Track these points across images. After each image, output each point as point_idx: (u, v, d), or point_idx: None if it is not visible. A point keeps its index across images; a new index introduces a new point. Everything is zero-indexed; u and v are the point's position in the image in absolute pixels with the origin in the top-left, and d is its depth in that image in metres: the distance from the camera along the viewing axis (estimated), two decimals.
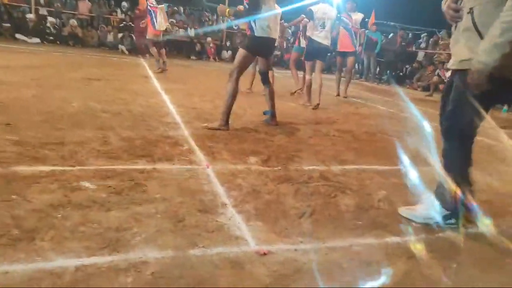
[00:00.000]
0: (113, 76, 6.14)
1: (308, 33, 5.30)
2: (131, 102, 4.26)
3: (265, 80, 3.87)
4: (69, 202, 1.76)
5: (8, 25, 11.14)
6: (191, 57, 13.14)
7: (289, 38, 13.43)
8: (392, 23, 14.25)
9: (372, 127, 4.36)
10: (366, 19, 9.71)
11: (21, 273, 1.24)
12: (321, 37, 5.20)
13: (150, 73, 7.35)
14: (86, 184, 1.99)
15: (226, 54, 13.75)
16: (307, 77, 5.51)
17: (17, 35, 10.93)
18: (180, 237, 1.57)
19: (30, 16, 11.32)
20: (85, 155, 2.43)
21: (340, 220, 1.90)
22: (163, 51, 7.67)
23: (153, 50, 7.57)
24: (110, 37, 12.10)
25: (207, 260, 1.44)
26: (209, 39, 13.48)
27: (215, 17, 14.73)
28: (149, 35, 7.44)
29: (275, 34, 3.72)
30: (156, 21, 7.23)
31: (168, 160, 2.52)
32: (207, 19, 14.83)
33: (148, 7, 7.36)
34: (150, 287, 1.25)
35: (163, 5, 7.40)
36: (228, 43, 14.03)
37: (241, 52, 3.63)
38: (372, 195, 2.26)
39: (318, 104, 5.25)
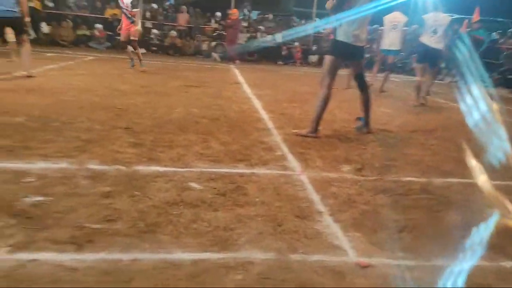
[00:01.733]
0: (208, 83, 6.58)
1: (421, 38, 5.82)
2: (226, 108, 4.52)
3: (361, 85, 3.77)
4: (182, 200, 1.97)
5: (120, 37, 12.59)
6: (278, 62, 13.39)
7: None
8: (500, 20, 12.77)
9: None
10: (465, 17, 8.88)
11: (147, 261, 1.43)
12: (433, 42, 5.66)
13: (241, 79, 7.69)
14: (194, 185, 2.19)
15: (313, 58, 13.72)
16: (418, 78, 5.99)
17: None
18: (281, 241, 1.64)
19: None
20: (191, 157, 2.67)
21: (446, 237, 1.79)
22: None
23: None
24: (204, 46, 12.95)
25: (308, 266, 1.49)
26: (296, 43, 13.60)
27: (303, 21, 14.80)
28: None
29: (360, 42, 3.54)
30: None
31: (264, 165, 2.63)
32: (295, 24, 14.96)
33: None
34: (258, 287, 1.34)
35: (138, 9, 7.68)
36: (314, 47, 13.98)
37: (327, 57, 3.63)
38: (483, 212, 2.08)
39: (422, 104, 5.84)
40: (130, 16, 7.37)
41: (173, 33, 12.71)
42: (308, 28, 14.04)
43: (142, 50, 12.42)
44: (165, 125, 3.48)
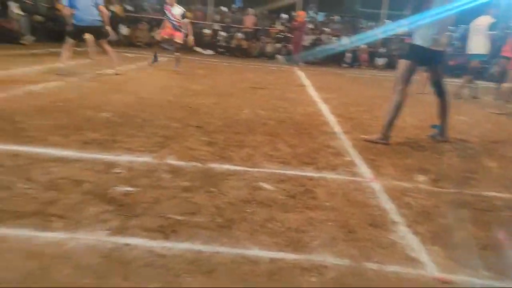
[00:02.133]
0: (273, 85, 6.67)
1: None
2: (292, 111, 4.56)
3: (439, 91, 3.58)
4: (254, 199, 2.04)
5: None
6: (343, 65, 13.12)
7: (455, 42, 12.05)
8: None
9: None
10: None
11: (226, 255, 1.52)
12: None
13: (306, 81, 7.68)
14: (265, 185, 2.26)
15: (380, 61, 13.23)
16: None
17: (196, 48, 12.89)
18: (354, 248, 1.64)
19: (207, 31, 13.21)
20: (260, 158, 2.74)
21: None
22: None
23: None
24: (269, 48, 13.12)
25: (383, 276, 1.47)
26: (362, 45, 13.22)
27: (370, 23, 14.33)
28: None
29: (440, 46, 3.36)
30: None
31: (332, 170, 2.63)
32: (362, 26, 14.55)
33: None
34: None
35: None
36: (383, 50, 13.48)
37: (401, 61, 3.49)
38: None
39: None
40: (178, 26, 7.59)
41: (239, 35, 13.04)
42: (378, 31, 13.56)
43: (209, 52, 13.00)
44: (234, 126, 3.61)
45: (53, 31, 11.23)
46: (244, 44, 13.03)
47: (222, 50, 13.06)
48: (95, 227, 1.64)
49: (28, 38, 10.14)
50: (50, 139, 2.71)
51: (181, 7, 7.51)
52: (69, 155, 2.44)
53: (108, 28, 6.19)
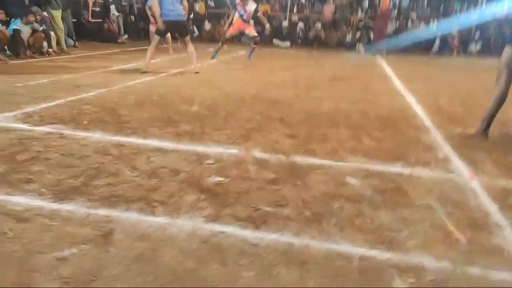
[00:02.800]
0: (355, 76, 6.45)
1: None
2: (375, 103, 4.37)
3: None
4: (341, 194, 2.02)
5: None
6: (430, 53, 12.14)
7: None
8: None
9: None
10: None
11: (317, 249, 1.53)
12: None
13: (389, 71, 7.28)
14: (352, 180, 2.21)
15: (474, 47, 11.98)
16: None
17: (274, 40, 12.99)
18: (454, 250, 1.54)
19: (285, 23, 13.21)
20: (344, 152, 2.69)
21: None
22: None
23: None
24: (348, 37, 12.67)
25: (489, 283, 1.36)
26: (454, 31, 12.06)
27: (465, 5, 12.98)
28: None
29: None
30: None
31: (424, 166, 2.47)
32: (455, 9, 13.26)
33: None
34: None
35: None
36: (477, 34, 12.16)
37: (507, 49, 3.10)
38: None
39: None
40: (247, 20, 7.62)
41: (318, 25, 12.79)
42: (473, 14, 12.25)
43: (287, 43, 12.99)
44: (316, 118, 3.58)
45: (143, 30, 12.22)
46: (323, 34, 12.76)
47: (300, 41, 12.97)
48: (193, 214, 1.77)
49: (123, 37, 11.16)
50: (149, 130, 2.97)
51: (254, 3, 7.49)
52: (166, 145, 2.66)
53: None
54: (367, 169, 2.38)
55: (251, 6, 7.46)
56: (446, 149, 2.81)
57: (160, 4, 5.70)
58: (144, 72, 5.76)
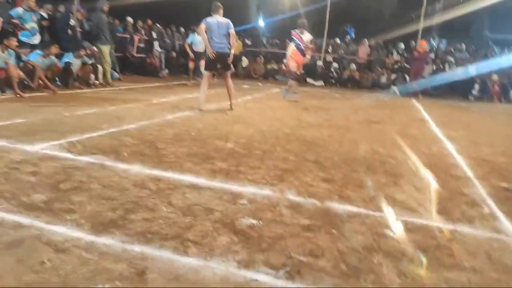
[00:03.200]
0: (390, 119, 6.35)
1: None
2: (414, 149, 4.24)
3: None
4: (380, 248, 1.93)
5: (302, 71, 13.61)
6: (469, 98, 11.85)
7: None
8: None
9: None
10: None
11: None
12: None
13: (426, 116, 7.13)
14: (391, 233, 2.12)
15: None
16: None
17: (308, 79, 13.18)
18: None
19: (319, 63, 13.42)
20: (383, 200, 2.60)
21: None
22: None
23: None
24: (383, 79, 12.65)
25: None
26: (494, 76, 11.77)
27: (506, 49, 12.73)
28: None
29: None
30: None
31: (469, 222, 2.34)
32: (493, 54, 13.02)
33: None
34: None
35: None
36: None
37: None
38: None
39: None
40: (304, 50, 7.65)
41: (353, 66, 12.89)
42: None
43: (320, 83, 13.12)
44: (352, 162, 3.52)
45: (183, 65, 12.79)
46: (357, 75, 12.82)
47: (334, 81, 13.07)
48: (226, 257, 1.74)
49: (164, 72, 11.70)
50: (185, 165, 3.02)
51: (309, 33, 7.60)
52: (201, 182, 2.68)
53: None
54: (407, 222, 2.28)
55: (307, 36, 7.55)
56: (491, 205, 2.66)
57: (208, 34, 5.73)
58: (201, 110, 5.72)
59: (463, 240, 2.09)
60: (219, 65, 6.03)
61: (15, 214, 2.00)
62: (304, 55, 7.64)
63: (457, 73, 12.39)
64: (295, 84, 8.01)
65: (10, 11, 7.28)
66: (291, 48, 7.61)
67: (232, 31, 5.82)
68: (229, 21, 5.88)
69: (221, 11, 5.96)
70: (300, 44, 7.49)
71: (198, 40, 9.05)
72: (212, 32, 5.77)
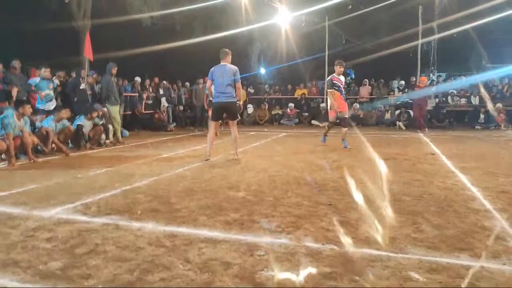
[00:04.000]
0: (400, 155, 6.33)
1: None
2: (427, 184, 4.20)
3: None
4: None
5: (307, 113, 13.85)
6: (476, 127, 11.85)
7: None
8: None
9: None
10: None
11: None
12: None
13: (436, 149, 7.10)
14: (415, 275, 2.05)
15: None
16: None
17: (313, 121, 13.36)
18: None
19: (323, 105, 13.67)
20: (403, 241, 2.54)
21: None
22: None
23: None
24: (387, 115, 12.78)
25: None
26: (498, 105, 11.84)
27: (505, 79, 12.92)
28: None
29: None
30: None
31: (495, 258, 2.26)
32: (495, 84, 13.20)
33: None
34: None
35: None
36: None
37: None
38: None
39: None
40: (344, 92, 7.40)
41: (356, 105, 13.10)
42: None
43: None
44: (367, 203, 3.47)
45: (189, 117, 13.13)
46: (361, 114, 12.98)
47: (338, 121, 13.21)
48: None
49: (171, 126, 11.98)
50: (199, 219, 3.01)
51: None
52: (216, 235, 2.66)
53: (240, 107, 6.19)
54: (431, 262, 2.21)
55: (343, 78, 7.41)
56: None
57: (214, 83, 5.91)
58: (207, 160, 5.81)
59: (491, 277, 2.01)
60: (225, 114, 6.12)
61: (33, 284, 1.98)
62: (344, 95, 7.48)
63: (460, 104, 12.53)
64: (343, 131, 7.46)
65: (29, 81, 7.77)
66: (335, 95, 7.19)
67: (238, 84, 5.91)
68: (236, 69, 5.89)
69: (229, 58, 5.99)
70: (341, 86, 7.27)
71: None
72: (216, 81, 5.86)
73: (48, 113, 7.30)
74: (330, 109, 7.37)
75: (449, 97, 12.99)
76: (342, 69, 7.24)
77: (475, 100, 12.66)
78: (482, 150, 7.07)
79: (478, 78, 13.01)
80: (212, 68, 5.96)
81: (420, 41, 13.09)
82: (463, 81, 13.25)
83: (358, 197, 3.68)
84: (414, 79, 12.80)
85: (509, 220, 2.93)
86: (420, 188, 4.01)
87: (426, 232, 2.70)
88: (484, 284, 1.94)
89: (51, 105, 7.72)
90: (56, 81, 8.90)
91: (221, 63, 5.96)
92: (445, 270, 2.10)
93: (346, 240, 2.56)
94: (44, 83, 7.64)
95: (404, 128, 11.80)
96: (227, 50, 6.00)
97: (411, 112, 11.80)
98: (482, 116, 12.04)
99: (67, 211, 3.26)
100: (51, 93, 7.80)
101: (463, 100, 12.82)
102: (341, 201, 3.54)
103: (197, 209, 3.30)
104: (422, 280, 2.00)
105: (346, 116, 7.52)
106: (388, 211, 3.20)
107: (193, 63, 15.08)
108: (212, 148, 6.09)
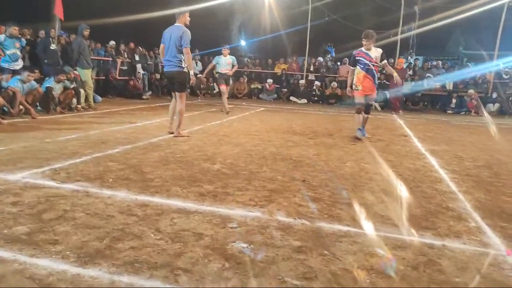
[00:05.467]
0: (374, 136, 6.45)
1: None
2: (398, 164, 4.32)
3: None
4: (372, 268, 1.92)
5: (286, 89, 13.80)
6: (447, 111, 12.23)
7: None
8: None
9: None
10: None
11: None
12: None
13: (409, 131, 7.29)
14: (380, 251, 2.12)
15: (492, 107, 12.01)
16: None
17: (291, 98, 13.35)
18: None
19: (302, 81, 13.65)
20: (371, 218, 2.61)
21: None
22: None
23: None
24: None
25: None
26: (470, 90, 12.20)
27: (480, 65, 13.25)
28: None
29: None
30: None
31: (456, 237, 2.37)
32: (470, 70, 13.51)
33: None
34: None
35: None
36: (494, 95, 12.24)
37: None
38: None
39: None
40: (375, 74, 5.76)
41: (334, 84, 13.16)
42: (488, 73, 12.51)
43: (303, 101, 13.30)
44: (339, 180, 3.55)
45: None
46: (339, 91, 13.07)
47: (316, 98, 13.28)
48: (218, 284, 1.70)
49: (147, 94, 11.67)
50: (172, 189, 2.98)
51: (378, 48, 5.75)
52: (189, 206, 2.65)
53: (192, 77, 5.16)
54: (397, 239, 2.29)
55: (377, 51, 5.67)
56: (477, 219, 2.70)
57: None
58: (170, 132, 5.47)
59: (452, 256, 2.11)
60: (172, 85, 5.40)
61: None
62: (374, 77, 5.73)
63: (435, 88, 12.81)
64: (360, 119, 5.98)
65: None
66: (356, 72, 5.76)
67: (186, 49, 4.95)
68: (184, 31, 4.95)
69: (183, 19, 5.07)
70: (369, 63, 5.63)
71: (222, 62, 8.73)
72: (166, 46, 5.04)
73: (14, 72, 6.92)
74: (354, 89, 5.87)
75: (425, 81, 13.24)
76: (369, 43, 5.59)
77: (449, 86, 12.97)
78: (452, 134, 7.32)
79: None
80: (165, 30, 5.18)
81: (401, 25, 13.14)
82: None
83: (331, 174, 3.75)
84: (393, 61, 12.92)
85: (471, 202, 3.07)
86: (391, 168, 4.12)
87: (393, 210, 2.79)
88: (445, 262, 2.03)
89: (17, 65, 7.31)
90: (24, 40, 8.39)
91: (175, 24, 5.12)
92: (409, 248, 2.19)
93: (317, 215, 2.61)
94: (10, 41, 7.20)
95: (379, 109, 12.01)
96: (182, 8, 5.11)
97: (388, 94, 11.99)
98: (454, 101, 12.41)
99: (34, 175, 3.15)
100: (18, 52, 7.37)
101: (437, 84, 13.09)
102: (315, 177, 3.60)
103: (171, 179, 3.26)
104: (386, 255, 2.07)
105: (372, 102, 6.24)
106: (360, 189, 3.28)
107: None
108: (170, 120, 5.60)
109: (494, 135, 7.40)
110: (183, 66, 5.09)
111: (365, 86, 5.76)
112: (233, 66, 8.82)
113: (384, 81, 12.78)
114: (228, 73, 8.78)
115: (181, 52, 5.03)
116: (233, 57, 8.96)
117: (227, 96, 9.01)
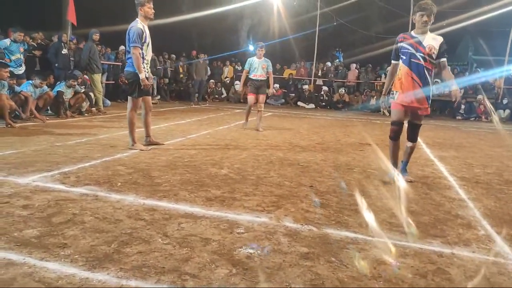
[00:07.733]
0: (382, 141, 6.42)
1: None
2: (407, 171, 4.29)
3: None
4: (380, 275, 1.91)
5: (293, 95, 13.82)
6: (457, 117, 12.12)
7: None
8: None
9: None
10: None
11: None
12: None
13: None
14: (390, 259, 2.11)
15: (503, 113, 11.88)
16: None
17: (299, 103, 13.36)
18: None
19: (306, 87, 13.65)
20: (379, 225, 2.59)
21: None
22: None
23: None
24: (372, 101, 12.88)
25: None
26: (479, 96, 12.10)
27: (490, 70, 13.14)
28: None
29: None
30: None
31: (465, 245, 2.34)
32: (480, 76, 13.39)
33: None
34: None
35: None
36: (505, 101, 12.11)
37: None
38: None
39: None
40: (428, 69, 3.63)
41: (342, 90, 13.14)
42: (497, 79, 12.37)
43: (311, 105, 13.28)
44: (347, 186, 3.53)
45: (175, 91, 12.91)
46: (347, 97, 13.05)
47: (324, 104, 13.26)
48: None
49: (156, 98, 11.76)
50: (180, 194, 3.00)
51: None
52: (196, 211, 2.66)
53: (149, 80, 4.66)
54: (405, 247, 2.27)
55: (435, 39, 3.61)
56: (486, 227, 2.67)
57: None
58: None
59: (461, 264, 2.08)
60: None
61: (6, 251, 1.94)
62: (424, 78, 3.67)
63: (445, 94, 12.70)
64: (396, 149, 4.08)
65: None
66: (400, 71, 3.75)
67: (133, 49, 4.30)
68: (130, 28, 4.33)
69: (142, 11, 4.35)
70: (418, 55, 3.60)
71: (255, 65, 6.92)
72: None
73: (17, 77, 7.06)
74: (390, 97, 3.91)
75: (434, 86, 13.15)
76: (427, 20, 3.58)
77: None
78: (461, 140, 7.24)
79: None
80: None
81: (410, 30, 13.07)
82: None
83: (340, 181, 3.73)
84: None
85: (481, 209, 3.04)
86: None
87: (402, 218, 2.77)
88: (453, 271, 2.01)
89: (20, 70, 7.48)
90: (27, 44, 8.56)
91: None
92: (418, 256, 2.17)
93: (324, 222, 2.60)
94: (15, 46, 7.35)
95: (388, 114, 11.94)
96: (137, 1, 4.39)
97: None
98: (463, 107, 12.30)
99: (44, 179, 3.19)
100: (21, 57, 7.52)
101: (447, 90, 12.96)
102: (322, 183, 3.59)
103: (179, 184, 3.28)
104: (395, 264, 2.05)
105: (418, 121, 4.05)
106: (368, 196, 3.26)
107: (182, 39, 14.69)
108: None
109: (504, 141, 7.31)
110: (132, 66, 4.45)
111: (407, 91, 3.71)
112: (267, 72, 6.89)
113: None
114: (261, 80, 6.86)
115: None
116: (269, 60, 7.02)
117: (260, 109, 7.10)
